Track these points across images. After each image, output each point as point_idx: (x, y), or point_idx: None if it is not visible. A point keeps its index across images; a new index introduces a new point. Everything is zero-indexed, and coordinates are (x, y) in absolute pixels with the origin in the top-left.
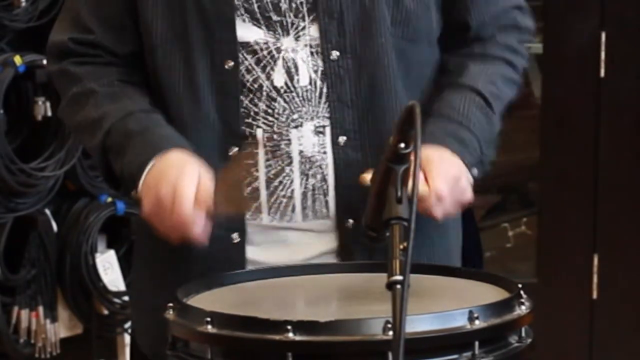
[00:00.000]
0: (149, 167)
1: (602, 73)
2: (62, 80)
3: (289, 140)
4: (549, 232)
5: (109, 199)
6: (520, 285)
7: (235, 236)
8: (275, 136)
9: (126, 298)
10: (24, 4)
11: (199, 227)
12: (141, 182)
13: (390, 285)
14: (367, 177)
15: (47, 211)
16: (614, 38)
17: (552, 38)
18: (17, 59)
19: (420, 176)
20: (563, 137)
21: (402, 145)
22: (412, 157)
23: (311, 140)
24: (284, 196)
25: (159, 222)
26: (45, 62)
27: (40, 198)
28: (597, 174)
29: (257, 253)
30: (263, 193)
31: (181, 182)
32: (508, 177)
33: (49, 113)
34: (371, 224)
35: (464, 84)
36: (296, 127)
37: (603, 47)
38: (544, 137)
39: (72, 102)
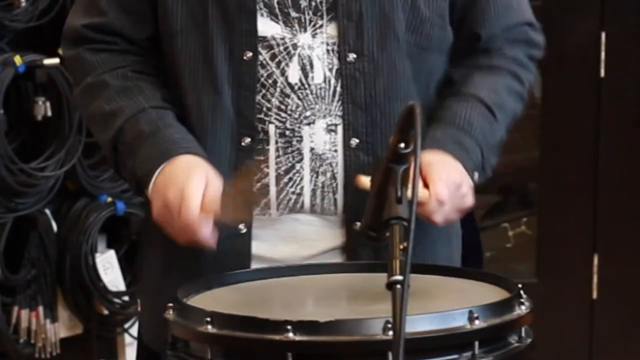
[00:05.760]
0: (157, 171)
1: (602, 73)
2: (76, 67)
3: (301, 137)
4: (549, 232)
5: (109, 199)
6: (520, 285)
7: (242, 227)
8: (287, 132)
9: (126, 298)
10: (24, 4)
11: (205, 232)
12: (151, 185)
13: (390, 285)
14: (363, 179)
15: (47, 211)
16: (614, 38)
17: (551, 38)
18: (17, 59)
19: (421, 182)
20: (563, 137)
21: (402, 145)
22: (412, 157)
23: (323, 138)
24: (293, 193)
25: (167, 225)
26: (45, 62)
27: (40, 198)
28: (597, 173)
29: (264, 249)
30: (272, 189)
31: (188, 186)
32: (508, 177)
33: (49, 113)
34: (371, 224)
35: (467, 92)
36: (308, 124)
37: (603, 47)
38: (544, 137)
39: (86, 92)
